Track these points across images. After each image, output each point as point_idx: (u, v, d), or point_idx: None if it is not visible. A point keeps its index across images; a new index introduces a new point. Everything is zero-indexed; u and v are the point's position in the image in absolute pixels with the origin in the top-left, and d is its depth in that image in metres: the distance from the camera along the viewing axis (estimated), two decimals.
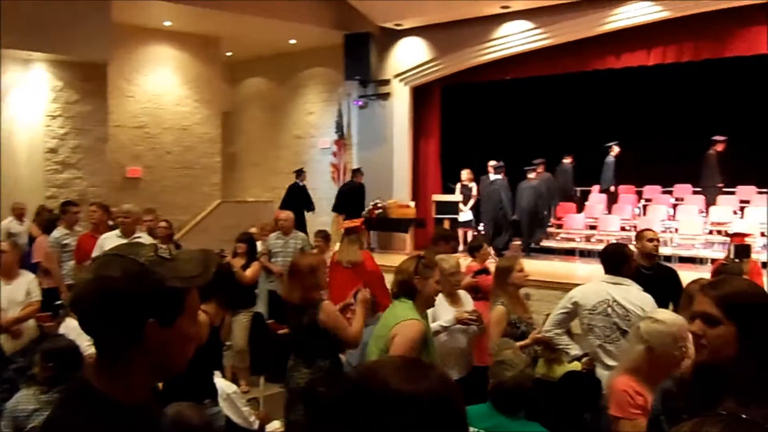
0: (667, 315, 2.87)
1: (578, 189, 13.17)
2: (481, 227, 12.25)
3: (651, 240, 5.37)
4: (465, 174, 12.11)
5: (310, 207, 12.60)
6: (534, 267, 9.31)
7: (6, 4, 9.18)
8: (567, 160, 12.80)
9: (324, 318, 3.74)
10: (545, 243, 11.86)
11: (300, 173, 12.71)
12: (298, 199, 12.34)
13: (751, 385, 1.69)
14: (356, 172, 12.34)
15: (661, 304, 4.24)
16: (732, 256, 7.32)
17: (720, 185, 11.30)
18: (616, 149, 12.18)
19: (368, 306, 3.98)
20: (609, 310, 4.18)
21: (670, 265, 6.59)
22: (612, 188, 12.39)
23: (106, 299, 1.25)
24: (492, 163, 11.84)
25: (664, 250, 10.50)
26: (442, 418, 1.08)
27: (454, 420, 1.11)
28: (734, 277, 3.05)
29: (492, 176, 11.71)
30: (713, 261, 8.72)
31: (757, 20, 9.59)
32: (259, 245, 8.02)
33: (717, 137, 11.03)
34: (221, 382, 3.89)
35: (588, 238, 11.59)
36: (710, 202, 11.36)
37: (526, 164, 11.94)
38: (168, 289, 1.27)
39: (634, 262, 4.51)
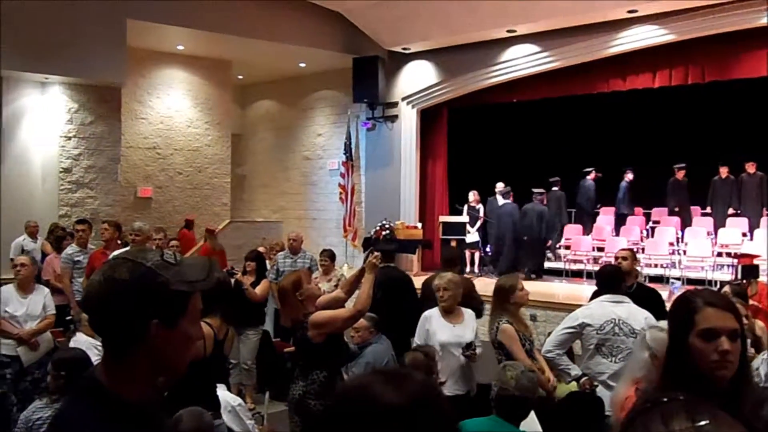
0: None
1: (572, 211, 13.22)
2: (488, 249, 12.28)
3: (625, 259, 5.61)
4: (472, 196, 12.16)
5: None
6: (541, 288, 9.37)
7: (24, 28, 9.45)
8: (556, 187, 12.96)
9: (314, 332, 3.77)
10: (553, 264, 11.86)
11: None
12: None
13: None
14: None
15: None
16: (740, 276, 7.28)
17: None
18: (630, 175, 12.33)
19: (376, 271, 4.09)
20: (616, 329, 4.23)
21: (651, 285, 6.52)
22: (625, 211, 12.51)
23: (114, 299, 1.32)
24: (499, 186, 11.89)
25: (672, 272, 10.50)
26: (431, 423, 1.08)
27: (443, 424, 1.11)
28: None
29: (500, 200, 11.76)
30: (722, 283, 8.67)
31: (759, 43, 9.67)
32: (267, 264, 8.12)
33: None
34: (226, 395, 3.91)
35: (596, 260, 11.57)
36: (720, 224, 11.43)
37: (532, 185, 11.98)
38: (172, 291, 1.35)
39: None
